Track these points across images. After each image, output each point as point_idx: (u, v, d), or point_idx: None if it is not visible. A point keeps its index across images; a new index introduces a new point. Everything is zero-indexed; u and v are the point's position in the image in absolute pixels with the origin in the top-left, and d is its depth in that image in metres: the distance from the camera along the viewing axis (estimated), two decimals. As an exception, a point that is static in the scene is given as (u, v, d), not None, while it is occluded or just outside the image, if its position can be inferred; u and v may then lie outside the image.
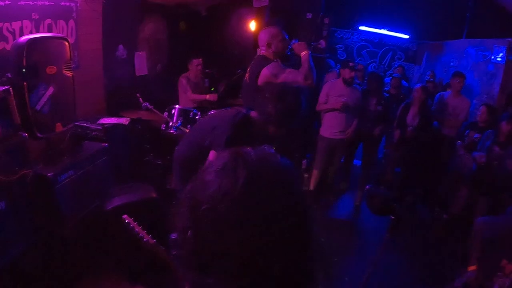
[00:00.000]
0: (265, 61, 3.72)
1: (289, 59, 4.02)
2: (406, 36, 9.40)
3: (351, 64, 5.45)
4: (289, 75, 3.63)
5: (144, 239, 1.63)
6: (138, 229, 1.66)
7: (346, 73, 5.40)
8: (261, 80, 3.64)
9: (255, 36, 5.76)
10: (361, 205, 5.82)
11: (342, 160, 6.36)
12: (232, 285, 0.79)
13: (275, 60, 3.79)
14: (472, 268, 2.36)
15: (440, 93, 6.41)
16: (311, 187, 5.78)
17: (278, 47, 3.81)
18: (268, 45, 3.79)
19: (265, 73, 3.62)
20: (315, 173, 5.73)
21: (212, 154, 2.57)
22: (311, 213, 0.87)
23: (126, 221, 1.68)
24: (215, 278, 0.79)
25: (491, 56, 6.42)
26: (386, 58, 9.75)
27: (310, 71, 3.70)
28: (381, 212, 2.04)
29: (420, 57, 9.41)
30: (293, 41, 4.36)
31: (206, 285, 0.80)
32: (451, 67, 7.59)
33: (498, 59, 6.22)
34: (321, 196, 5.89)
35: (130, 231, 1.66)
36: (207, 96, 5.81)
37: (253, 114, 2.84)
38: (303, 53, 3.82)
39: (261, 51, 3.89)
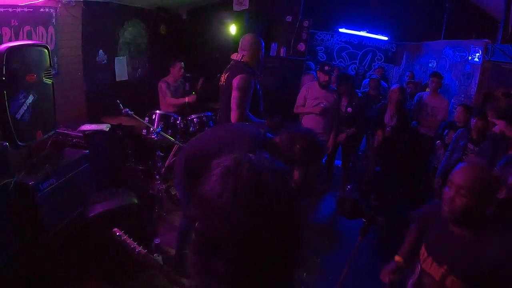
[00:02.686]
0: (246, 69, 3.82)
1: (260, 67, 4.09)
2: (385, 38, 9.56)
3: (326, 67, 5.52)
4: (238, 100, 3.74)
5: (136, 250, 1.71)
6: (129, 241, 1.74)
7: (321, 76, 5.51)
8: (233, 83, 3.76)
9: (235, 39, 5.83)
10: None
11: (323, 161, 6.47)
12: (236, 267, 0.91)
13: (255, 69, 3.92)
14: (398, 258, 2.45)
15: (419, 93, 6.56)
16: None
17: (259, 55, 3.95)
18: (253, 51, 3.89)
19: (237, 79, 3.74)
20: (296, 174, 5.79)
21: None
22: (301, 205, 1.05)
23: (117, 234, 1.75)
24: (221, 261, 0.91)
25: (468, 57, 6.58)
26: (366, 59, 9.91)
27: (245, 120, 3.81)
28: (352, 215, 2.11)
29: (400, 58, 9.59)
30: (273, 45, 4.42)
31: (213, 270, 0.92)
32: (430, 67, 7.76)
33: (476, 59, 6.37)
34: (303, 197, 5.95)
35: (121, 244, 1.73)
36: (186, 99, 5.85)
37: (276, 139, 2.94)
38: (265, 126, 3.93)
39: (243, 57, 3.94)
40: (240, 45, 4.00)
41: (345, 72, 7.25)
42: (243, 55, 3.94)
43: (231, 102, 3.78)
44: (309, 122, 5.61)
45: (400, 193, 6.25)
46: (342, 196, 2.16)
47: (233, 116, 3.76)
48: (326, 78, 5.48)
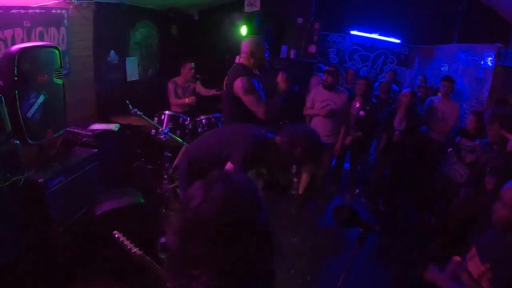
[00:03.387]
0: (243, 70, 3.85)
1: (265, 70, 4.09)
2: (397, 41, 9.51)
3: (330, 68, 5.55)
4: (254, 100, 3.75)
5: (132, 251, 1.88)
6: (126, 242, 1.91)
7: (324, 77, 5.55)
8: (234, 88, 3.79)
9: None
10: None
11: (333, 163, 6.49)
12: (213, 278, 1.01)
13: (254, 71, 3.94)
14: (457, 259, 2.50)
15: (430, 97, 6.53)
16: (300, 191, 5.91)
17: (260, 57, 3.94)
18: (252, 54, 3.90)
19: (237, 84, 3.75)
20: (304, 177, 5.85)
21: (228, 165, 2.90)
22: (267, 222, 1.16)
23: (116, 235, 1.93)
24: (200, 273, 1.01)
25: (480, 61, 6.55)
26: (378, 62, 9.86)
27: (274, 108, 3.85)
28: (348, 224, 2.15)
29: (412, 61, 9.55)
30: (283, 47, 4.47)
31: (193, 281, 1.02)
32: (442, 71, 7.73)
33: (489, 64, 6.33)
34: (310, 200, 6.01)
35: (120, 245, 1.90)
36: (186, 100, 5.96)
37: (277, 139, 3.00)
38: (282, 88, 3.95)
39: (241, 59, 4.00)
40: (240, 48, 4.07)
41: (366, 76, 7.25)
42: (241, 57, 4.00)
43: (249, 106, 3.80)
44: (317, 124, 5.60)
45: (408, 198, 6.25)
46: (337, 204, 2.22)
47: (260, 115, 3.78)
48: (329, 78, 5.49)
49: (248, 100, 3.77)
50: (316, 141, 2.95)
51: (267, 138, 3.02)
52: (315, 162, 3.04)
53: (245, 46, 3.98)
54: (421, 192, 6.11)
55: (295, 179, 6.20)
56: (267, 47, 4.03)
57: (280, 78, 4.01)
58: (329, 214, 5.92)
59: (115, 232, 1.95)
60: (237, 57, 4.08)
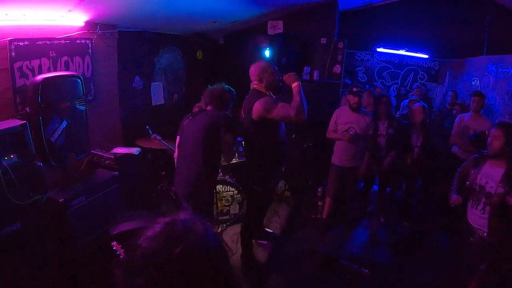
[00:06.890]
0: (257, 95, 4.02)
1: (281, 91, 4.22)
2: (425, 56, 9.46)
3: (355, 89, 5.47)
4: (281, 110, 3.87)
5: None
6: (123, 255, 2.05)
7: (351, 98, 5.46)
8: (254, 114, 3.95)
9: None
10: (377, 234, 5.91)
11: (361, 185, 6.45)
12: None
13: (268, 93, 4.09)
14: None
15: (460, 115, 6.45)
16: (324, 216, 5.91)
17: (269, 80, 4.08)
18: (260, 79, 4.09)
19: (257, 107, 3.91)
20: (328, 201, 5.85)
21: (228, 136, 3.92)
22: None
23: (114, 247, 2.08)
24: None
25: (511, 73, 6.46)
26: (408, 78, 9.80)
27: (301, 105, 3.87)
28: (324, 269, 2.09)
29: (443, 76, 9.48)
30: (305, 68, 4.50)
31: None
32: (473, 86, 7.65)
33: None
34: (334, 224, 5.96)
35: (116, 258, 2.06)
36: None
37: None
38: (294, 85, 3.99)
39: (253, 85, 4.19)
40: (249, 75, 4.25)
41: (384, 93, 7.23)
42: (253, 84, 4.20)
43: (280, 118, 3.98)
44: (340, 148, 5.64)
45: (437, 222, 6.10)
46: (313, 248, 2.16)
47: (295, 119, 3.86)
48: (356, 99, 5.41)
49: (275, 114, 3.88)
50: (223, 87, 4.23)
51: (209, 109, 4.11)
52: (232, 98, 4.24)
53: (252, 73, 4.17)
54: (454, 218, 5.95)
55: (319, 203, 6.25)
56: (276, 68, 4.18)
57: (286, 77, 4.08)
58: (355, 240, 5.84)
59: (113, 243, 2.08)
60: (251, 83, 4.25)
